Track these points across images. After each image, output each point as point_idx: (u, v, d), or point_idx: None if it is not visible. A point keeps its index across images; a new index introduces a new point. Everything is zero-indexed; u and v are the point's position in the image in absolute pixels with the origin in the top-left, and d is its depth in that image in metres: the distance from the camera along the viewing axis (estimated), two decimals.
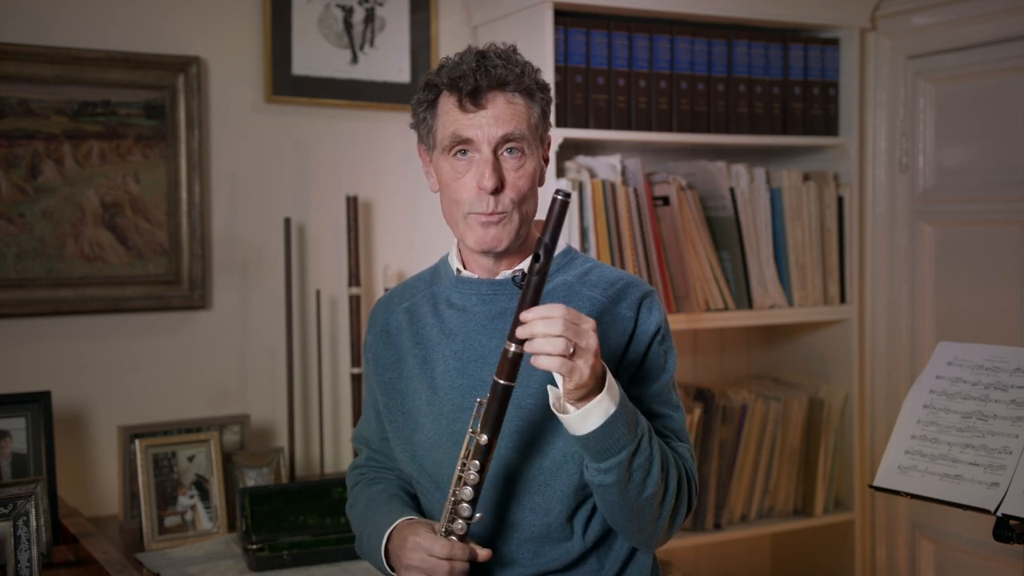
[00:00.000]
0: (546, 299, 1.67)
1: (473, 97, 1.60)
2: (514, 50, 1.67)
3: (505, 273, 1.69)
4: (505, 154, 1.62)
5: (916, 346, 3.07)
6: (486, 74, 1.59)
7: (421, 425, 1.71)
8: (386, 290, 2.79)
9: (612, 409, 1.48)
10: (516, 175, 1.62)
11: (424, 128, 1.68)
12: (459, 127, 1.61)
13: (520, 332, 1.46)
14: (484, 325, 1.68)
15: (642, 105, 2.83)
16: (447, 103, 1.63)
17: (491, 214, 1.61)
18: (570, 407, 1.49)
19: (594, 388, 1.47)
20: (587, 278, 1.71)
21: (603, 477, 1.53)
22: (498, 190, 1.61)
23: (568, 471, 1.63)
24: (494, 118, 1.60)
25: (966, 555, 2.93)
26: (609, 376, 1.50)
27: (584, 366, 1.45)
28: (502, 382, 1.50)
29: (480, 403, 1.54)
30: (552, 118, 2.63)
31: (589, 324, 1.46)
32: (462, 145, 1.62)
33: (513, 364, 1.49)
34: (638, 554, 1.72)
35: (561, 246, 1.74)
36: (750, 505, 3.02)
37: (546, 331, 1.43)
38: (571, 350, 1.43)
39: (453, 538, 1.56)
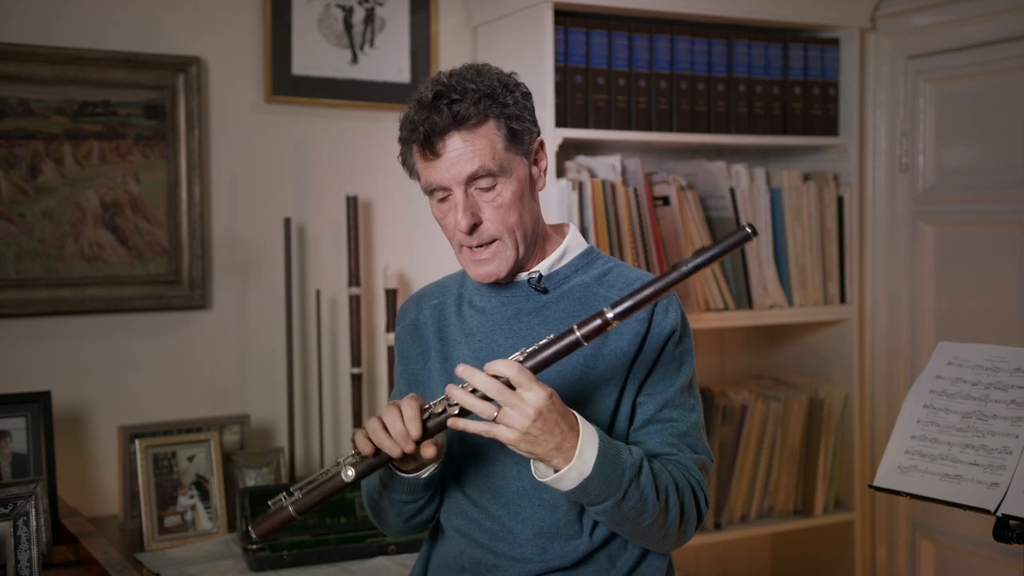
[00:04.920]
0: (562, 300, 1.70)
1: (429, 146, 1.61)
2: (477, 71, 1.64)
3: (522, 275, 1.72)
4: (477, 189, 1.63)
5: (916, 346, 3.07)
6: (433, 123, 1.59)
7: None
8: (386, 290, 2.80)
9: (586, 474, 1.50)
10: (493, 207, 1.63)
11: (414, 174, 1.70)
12: (427, 175, 1.64)
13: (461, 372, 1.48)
14: (501, 326, 1.71)
15: (642, 105, 2.83)
16: (415, 152, 1.65)
17: (479, 247, 1.65)
18: (544, 468, 1.53)
19: (561, 452, 1.49)
20: (606, 279, 1.71)
21: (592, 515, 1.59)
22: (476, 226, 1.63)
23: None
24: (453, 161, 1.60)
25: (966, 555, 2.93)
26: (582, 437, 1.50)
27: (509, 435, 1.47)
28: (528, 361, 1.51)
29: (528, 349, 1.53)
30: (551, 117, 2.66)
31: (532, 398, 1.47)
32: (437, 191, 1.64)
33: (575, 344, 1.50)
34: (651, 555, 1.72)
35: (581, 247, 1.75)
36: (750, 505, 3.02)
37: (483, 388, 1.47)
38: (494, 415, 1.47)
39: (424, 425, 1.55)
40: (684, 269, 1.47)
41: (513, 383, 1.47)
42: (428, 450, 1.56)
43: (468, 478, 1.71)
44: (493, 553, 1.68)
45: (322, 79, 2.78)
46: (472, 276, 1.70)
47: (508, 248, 1.65)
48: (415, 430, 1.53)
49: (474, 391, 1.49)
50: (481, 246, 1.65)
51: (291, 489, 1.59)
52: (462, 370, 1.48)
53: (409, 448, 1.54)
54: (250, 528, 1.60)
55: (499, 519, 1.67)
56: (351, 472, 1.56)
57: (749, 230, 1.45)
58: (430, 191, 1.65)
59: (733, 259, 2.94)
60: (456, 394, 1.49)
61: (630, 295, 1.48)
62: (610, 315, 1.48)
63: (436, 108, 1.59)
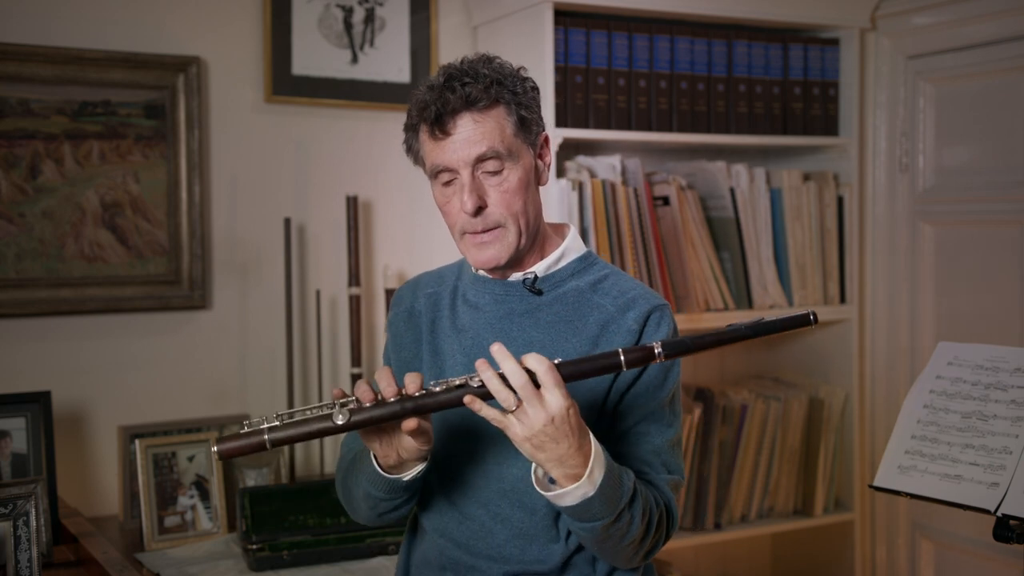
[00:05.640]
0: (556, 303, 1.70)
1: (439, 125, 1.61)
2: (488, 60, 1.66)
3: (517, 275, 1.71)
4: (484, 172, 1.63)
5: (916, 346, 3.07)
6: (446, 101, 1.59)
7: None
8: (386, 290, 2.80)
9: (590, 494, 1.50)
10: (499, 191, 1.63)
11: (418, 160, 1.71)
12: (435, 156, 1.63)
13: (495, 353, 1.48)
14: (493, 324, 1.71)
15: (642, 105, 2.83)
16: (423, 133, 1.65)
17: (482, 232, 1.64)
18: (545, 481, 1.53)
19: (561, 465, 1.49)
20: (600, 286, 1.71)
21: (577, 530, 1.57)
22: (481, 209, 1.62)
23: None
24: (463, 142, 1.61)
25: (966, 555, 2.93)
26: (594, 456, 1.50)
27: (519, 430, 1.47)
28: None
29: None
30: (551, 117, 2.66)
31: (552, 402, 1.46)
32: (443, 172, 1.64)
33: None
34: None
35: (580, 251, 1.75)
36: (750, 505, 3.02)
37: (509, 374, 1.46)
38: (514, 407, 1.46)
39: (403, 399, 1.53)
40: (742, 331, 1.51)
41: (539, 381, 1.47)
42: (410, 424, 1.53)
43: (448, 477, 1.71)
44: (471, 553, 1.68)
45: (322, 79, 2.78)
46: (472, 262, 1.69)
47: (510, 234, 1.65)
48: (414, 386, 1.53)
49: (500, 376, 1.48)
50: (484, 231, 1.64)
51: (277, 413, 1.54)
52: (497, 349, 1.48)
53: (413, 386, 1.52)
54: (215, 447, 1.51)
55: (478, 519, 1.68)
56: (341, 419, 1.51)
57: (812, 318, 1.52)
58: (436, 173, 1.65)
59: (733, 259, 2.94)
60: (486, 374, 1.48)
61: (681, 339, 1.52)
62: (657, 350, 1.50)
63: (449, 88, 1.60)
